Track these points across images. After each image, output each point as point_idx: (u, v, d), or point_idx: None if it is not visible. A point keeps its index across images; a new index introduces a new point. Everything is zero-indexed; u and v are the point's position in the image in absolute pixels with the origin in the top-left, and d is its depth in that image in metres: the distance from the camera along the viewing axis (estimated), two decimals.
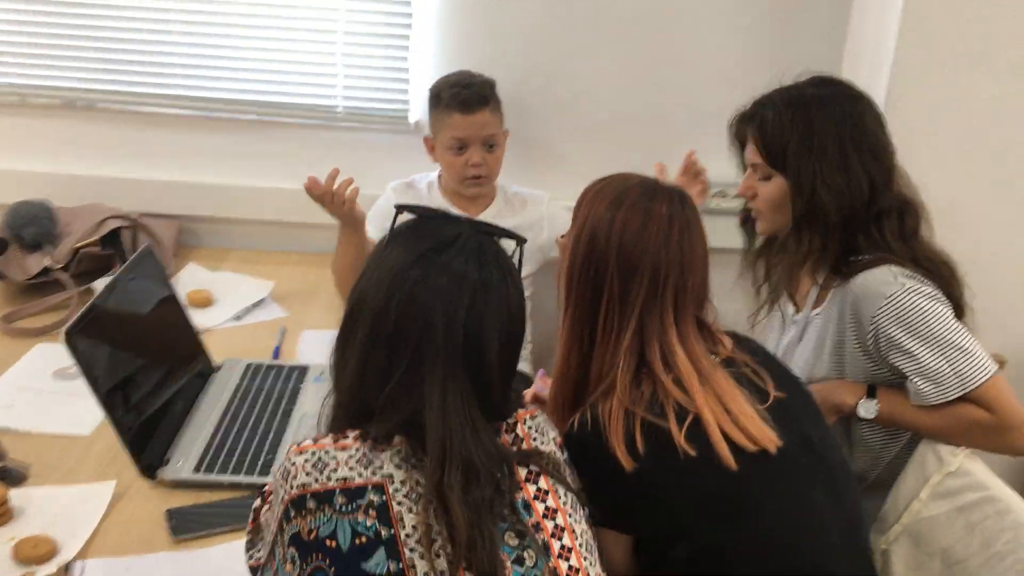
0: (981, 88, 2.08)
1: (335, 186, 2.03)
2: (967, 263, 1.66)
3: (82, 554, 1.36)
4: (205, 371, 1.84)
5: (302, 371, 1.87)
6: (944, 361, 1.54)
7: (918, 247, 1.64)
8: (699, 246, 1.37)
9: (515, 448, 1.15)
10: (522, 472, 1.13)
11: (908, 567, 1.58)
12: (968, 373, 1.53)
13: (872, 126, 1.65)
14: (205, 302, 2.16)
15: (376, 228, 2.24)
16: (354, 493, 1.05)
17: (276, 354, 1.98)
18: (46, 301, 2.09)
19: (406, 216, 1.24)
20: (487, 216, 2.30)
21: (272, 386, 1.81)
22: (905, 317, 1.55)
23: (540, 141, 2.49)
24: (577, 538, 1.12)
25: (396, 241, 1.16)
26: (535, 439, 1.18)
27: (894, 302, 1.55)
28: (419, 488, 1.05)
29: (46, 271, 2.15)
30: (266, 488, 1.31)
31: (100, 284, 2.01)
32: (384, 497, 1.05)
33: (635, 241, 1.32)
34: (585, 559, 1.12)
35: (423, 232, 1.16)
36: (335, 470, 1.07)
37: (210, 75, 2.42)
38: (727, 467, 1.24)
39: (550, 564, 1.08)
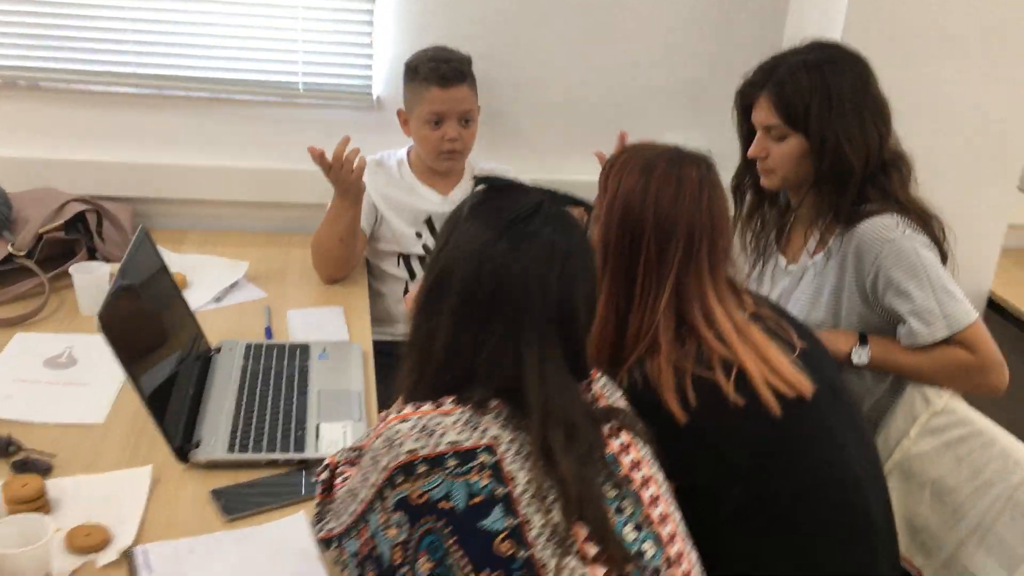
0: (922, 64, 2.24)
1: (346, 152, 2.02)
2: None
3: (137, 540, 1.34)
4: (206, 353, 1.82)
5: (304, 349, 1.87)
6: (935, 303, 1.69)
7: (914, 201, 1.78)
8: (725, 207, 1.45)
9: (594, 406, 1.21)
10: (604, 429, 1.19)
11: (901, 499, 1.73)
12: (956, 315, 1.68)
13: (874, 85, 1.78)
14: (181, 285, 2.12)
15: None
16: (466, 455, 1.09)
17: (269, 334, 1.97)
18: (14, 289, 2.01)
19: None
20: (458, 192, 2.33)
21: (279, 366, 1.80)
22: (905, 260, 1.69)
23: (500, 117, 2.53)
24: (660, 486, 1.19)
25: (476, 213, 1.18)
26: (608, 397, 1.24)
27: (896, 245, 1.70)
28: (526, 447, 1.10)
29: (9, 259, 2.06)
30: (328, 460, 1.33)
31: (76, 270, 1.95)
32: (495, 457, 1.09)
33: (670, 207, 1.40)
34: (670, 505, 1.19)
35: (503, 203, 1.19)
36: (443, 435, 1.10)
37: (163, 51, 2.35)
38: (773, 414, 1.33)
39: (643, 512, 1.14)
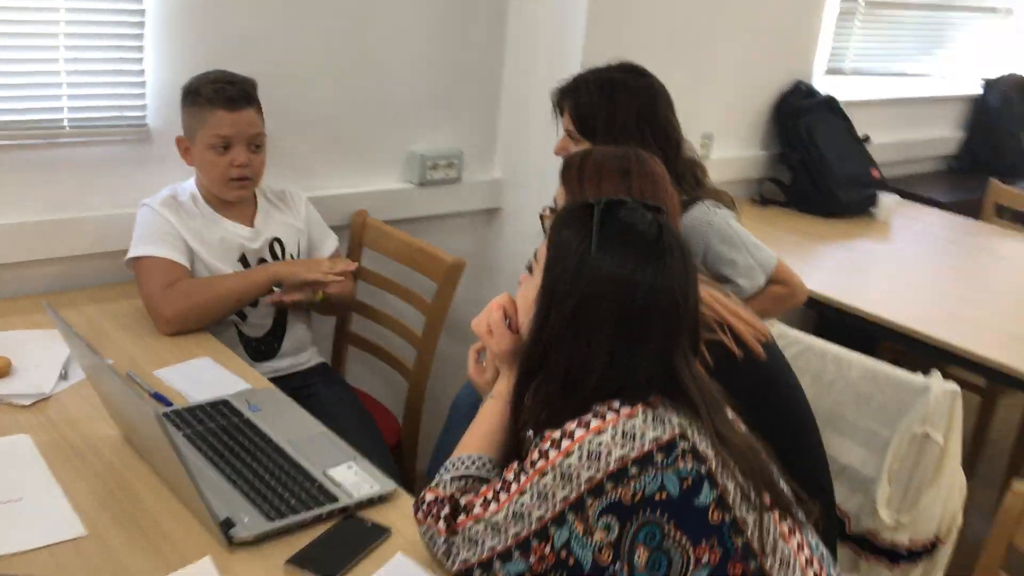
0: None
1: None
2: None
3: None
4: None
5: (226, 405, 1.74)
6: (752, 259, 2.10)
7: (710, 187, 2.17)
8: None
9: None
10: None
11: None
12: (767, 262, 2.12)
13: (663, 110, 2.11)
14: (3, 370, 1.82)
15: (168, 247, 2.08)
16: (668, 447, 1.23)
17: (165, 400, 1.79)
18: None
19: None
20: (260, 220, 2.25)
21: (218, 426, 1.67)
22: (724, 235, 2.09)
23: (269, 138, 2.45)
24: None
25: (608, 243, 1.28)
26: None
27: (715, 226, 2.08)
28: (700, 429, 1.27)
29: None
30: (437, 495, 1.35)
31: None
32: (691, 441, 1.24)
33: (652, 200, 1.61)
34: None
35: (625, 226, 1.31)
36: (643, 435, 1.23)
37: None
38: (761, 360, 1.63)
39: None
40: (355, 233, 2.58)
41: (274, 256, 2.24)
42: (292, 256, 2.27)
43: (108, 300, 2.18)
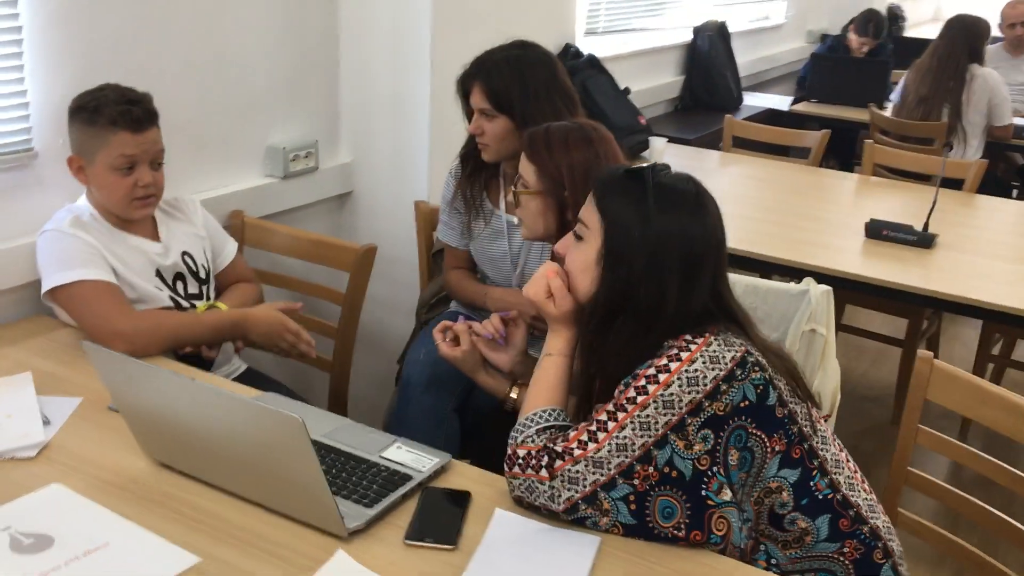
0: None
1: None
2: None
3: None
4: None
5: None
6: None
7: None
8: None
9: None
10: None
11: None
12: None
13: (562, 77, 2.32)
14: None
15: (99, 268, 2.01)
16: (743, 363, 1.48)
17: None
18: None
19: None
20: (165, 233, 2.21)
21: None
22: None
23: None
24: None
25: (665, 202, 1.51)
26: None
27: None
28: (751, 344, 1.53)
29: None
30: (529, 449, 1.52)
31: None
32: (755, 355, 1.50)
33: (614, 160, 1.87)
34: None
35: (670, 186, 1.54)
36: (723, 356, 1.47)
37: None
38: None
39: None
40: (235, 234, 2.56)
41: (188, 268, 2.21)
42: (204, 267, 2.25)
43: (25, 338, 2.05)
